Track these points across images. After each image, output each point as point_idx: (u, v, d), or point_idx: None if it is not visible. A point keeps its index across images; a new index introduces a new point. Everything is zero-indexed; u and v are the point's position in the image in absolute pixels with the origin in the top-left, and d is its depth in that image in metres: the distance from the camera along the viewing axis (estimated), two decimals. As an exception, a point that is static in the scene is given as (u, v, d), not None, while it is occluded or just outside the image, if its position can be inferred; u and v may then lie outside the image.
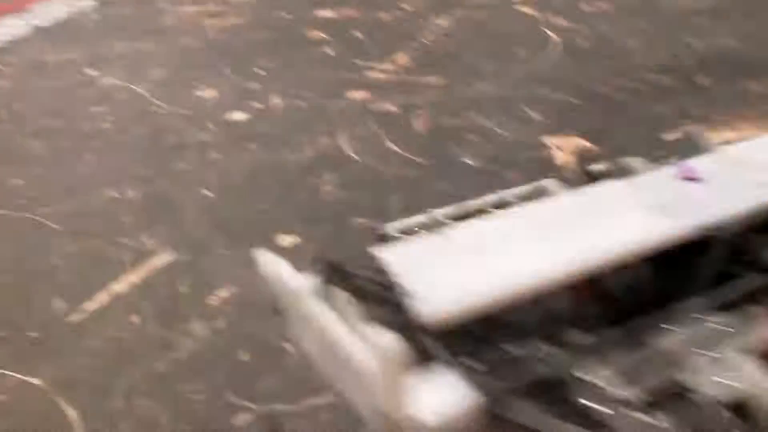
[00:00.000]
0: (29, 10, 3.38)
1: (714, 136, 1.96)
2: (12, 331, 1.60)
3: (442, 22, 2.93)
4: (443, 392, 0.93)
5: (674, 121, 2.08)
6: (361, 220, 1.69)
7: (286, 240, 1.72)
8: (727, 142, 1.90)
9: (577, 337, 1.01)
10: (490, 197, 1.15)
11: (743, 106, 2.15)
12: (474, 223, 1.11)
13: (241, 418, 1.39)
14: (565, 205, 1.15)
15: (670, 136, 2.01)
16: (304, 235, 1.74)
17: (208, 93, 2.47)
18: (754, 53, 2.51)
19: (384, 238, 1.14)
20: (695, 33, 2.68)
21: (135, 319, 1.61)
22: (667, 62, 2.47)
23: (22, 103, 2.50)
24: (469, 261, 1.04)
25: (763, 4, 2.89)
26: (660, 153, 1.92)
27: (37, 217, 1.88)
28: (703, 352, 1.00)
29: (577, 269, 1.02)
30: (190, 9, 3.27)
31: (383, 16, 3.02)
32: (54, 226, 1.84)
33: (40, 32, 3.14)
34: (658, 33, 2.71)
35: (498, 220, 1.11)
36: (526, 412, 0.94)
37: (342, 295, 1.03)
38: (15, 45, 3.03)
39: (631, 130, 2.06)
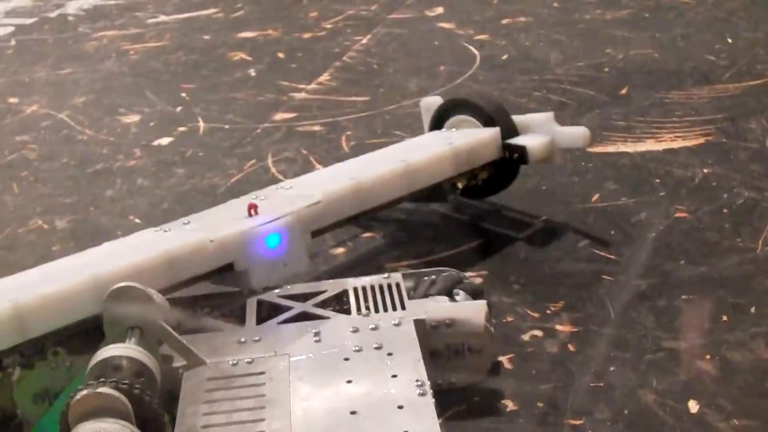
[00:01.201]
0: (-54, 38, 3.35)
1: (638, 147, 2.00)
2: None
3: (364, 40, 2.95)
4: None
5: (598, 133, 2.11)
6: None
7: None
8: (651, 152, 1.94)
9: None
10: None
11: (665, 116, 2.18)
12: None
13: None
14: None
15: (596, 149, 2.04)
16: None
17: (132, 118, 2.46)
18: (672, 63, 2.55)
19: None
20: (614, 44, 2.72)
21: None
22: (588, 73, 2.51)
23: (-58, 134, 2.48)
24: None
25: (678, 16, 2.94)
26: (587, 165, 1.96)
27: (-35, 249, 1.85)
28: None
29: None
30: (111, 33, 3.25)
31: (305, 36, 3.03)
32: (-18, 258, 1.82)
33: (-42, 61, 3.11)
34: (578, 45, 2.75)
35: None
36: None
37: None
38: (-67, 74, 3.00)
39: (557, 143, 2.08)
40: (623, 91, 2.35)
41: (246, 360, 1.13)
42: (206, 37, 3.14)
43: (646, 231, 1.70)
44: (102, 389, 0.96)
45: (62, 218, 1.95)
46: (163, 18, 3.41)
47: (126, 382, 0.98)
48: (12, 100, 2.68)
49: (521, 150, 1.68)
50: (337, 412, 1.03)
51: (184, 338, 1.14)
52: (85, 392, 0.96)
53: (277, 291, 1.29)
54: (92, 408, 0.95)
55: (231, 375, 1.11)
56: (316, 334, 1.17)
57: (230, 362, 1.13)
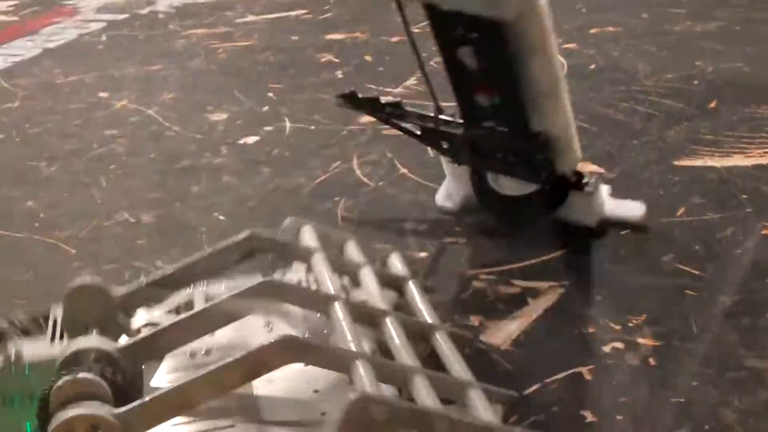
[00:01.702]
0: (39, 32, 3.40)
1: (726, 161, 1.98)
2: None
3: (452, 45, 2.95)
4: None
5: (686, 146, 2.09)
6: (377, 245, 1.69)
7: (303, 266, 1.71)
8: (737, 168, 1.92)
9: None
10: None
11: (754, 131, 2.15)
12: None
13: None
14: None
15: (683, 162, 2.02)
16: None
17: (219, 116, 2.48)
18: (763, 77, 2.52)
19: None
20: (704, 56, 2.69)
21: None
22: (676, 86, 2.48)
23: (34, 126, 2.51)
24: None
25: (771, 29, 2.91)
26: (673, 178, 1.94)
27: (52, 240, 1.88)
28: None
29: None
30: (200, 31, 3.28)
31: (392, 39, 3.04)
32: (70, 249, 1.84)
33: (51, 54, 3.16)
34: (667, 56, 2.72)
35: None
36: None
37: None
38: (26, 67, 3.05)
39: (643, 155, 2.07)
40: (712, 105, 2.33)
41: (202, 351, 1.22)
42: (294, 37, 3.16)
43: (732, 247, 1.68)
44: (81, 375, 1.04)
45: (148, 213, 1.97)
46: (251, 18, 3.43)
47: (97, 367, 1.08)
48: (102, 94, 2.72)
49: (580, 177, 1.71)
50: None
51: (145, 331, 1.21)
52: (61, 381, 1.03)
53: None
54: (72, 394, 1.03)
55: (189, 366, 1.19)
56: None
57: (188, 353, 1.21)
